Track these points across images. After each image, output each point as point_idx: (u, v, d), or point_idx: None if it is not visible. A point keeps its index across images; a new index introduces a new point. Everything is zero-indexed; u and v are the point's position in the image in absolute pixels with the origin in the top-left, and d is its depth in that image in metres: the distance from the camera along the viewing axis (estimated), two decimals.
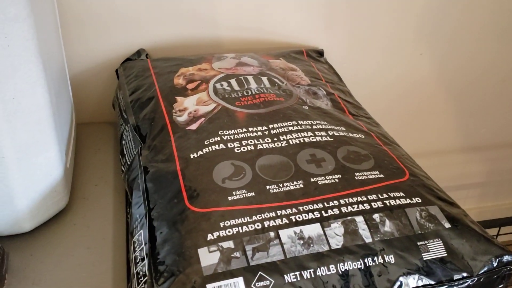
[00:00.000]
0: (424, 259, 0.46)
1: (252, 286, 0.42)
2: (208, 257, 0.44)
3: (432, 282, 0.46)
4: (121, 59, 0.80)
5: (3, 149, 0.51)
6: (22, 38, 0.48)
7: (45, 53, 0.53)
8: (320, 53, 0.85)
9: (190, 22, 0.81)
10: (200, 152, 0.54)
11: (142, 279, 0.44)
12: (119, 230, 0.61)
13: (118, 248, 0.58)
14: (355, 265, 0.45)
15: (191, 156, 0.54)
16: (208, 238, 0.45)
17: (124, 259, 0.57)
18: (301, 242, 0.45)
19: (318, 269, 0.44)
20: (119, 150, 0.67)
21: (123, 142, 0.65)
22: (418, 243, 0.47)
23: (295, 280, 0.43)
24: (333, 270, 0.44)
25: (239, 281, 0.42)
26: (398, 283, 0.45)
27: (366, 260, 0.45)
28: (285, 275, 0.43)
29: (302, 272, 0.44)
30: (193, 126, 0.59)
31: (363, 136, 0.60)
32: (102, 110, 0.84)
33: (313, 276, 0.44)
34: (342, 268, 0.44)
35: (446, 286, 0.46)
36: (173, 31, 0.81)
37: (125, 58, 0.79)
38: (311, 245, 0.45)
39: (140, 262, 0.46)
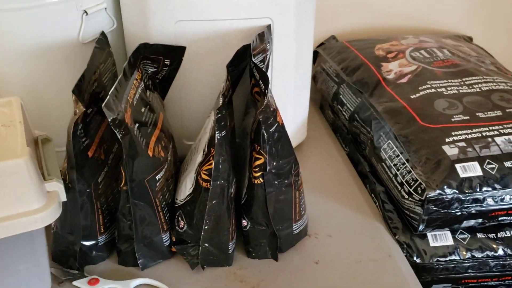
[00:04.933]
0: None
1: (484, 167, 0.64)
2: (450, 150, 0.66)
3: None
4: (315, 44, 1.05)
5: (289, 89, 0.76)
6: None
7: None
8: (471, 39, 1.06)
9: (368, 15, 1.05)
10: (418, 94, 0.77)
11: (414, 183, 0.65)
12: (341, 151, 0.85)
13: (348, 164, 0.82)
14: None
15: (411, 96, 0.77)
16: (447, 140, 0.67)
17: (355, 174, 0.80)
18: (511, 144, 0.66)
19: None
20: (330, 103, 0.92)
21: (340, 96, 0.88)
22: None
23: (511, 165, 0.64)
24: None
25: (475, 164, 0.64)
26: None
27: None
28: (504, 162, 0.64)
29: None
30: (404, 80, 0.81)
31: None
32: None
33: None
34: None
35: None
36: (355, 22, 1.05)
37: (319, 43, 1.04)
38: None
39: (402, 168, 0.67)
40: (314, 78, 1.02)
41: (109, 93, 0.51)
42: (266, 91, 0.55)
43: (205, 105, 0.75)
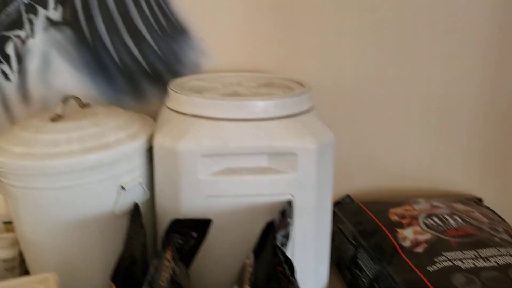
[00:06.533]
0: None
1: None
2: None
3: None
4: None
5: (310, 259, 0.79)
6: None
7: None
8: (480, 200, 1.10)
9: (380, 176, 1.11)
10: (435, 267, 0.79)
11: None
12: None
13: None
14: None
15: (429, 269, 0.79)
16: None
17: None
18: None
19: None
20: (347, 265, 0.94)
21: (358, 260, 0.91)
22: None
23: None
24: None
25: None
26: None
27: None
28: None
29: None
30: (419, 249, 0.84)
31: None
32: None
33: None
34: None
35: None
36: (368, 182, 1.11)
37: (335, 201, 1.10)
38: None
39: None
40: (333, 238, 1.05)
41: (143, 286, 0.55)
42: (292, 279, 0.57)
43: (228, 274, 0.77)
